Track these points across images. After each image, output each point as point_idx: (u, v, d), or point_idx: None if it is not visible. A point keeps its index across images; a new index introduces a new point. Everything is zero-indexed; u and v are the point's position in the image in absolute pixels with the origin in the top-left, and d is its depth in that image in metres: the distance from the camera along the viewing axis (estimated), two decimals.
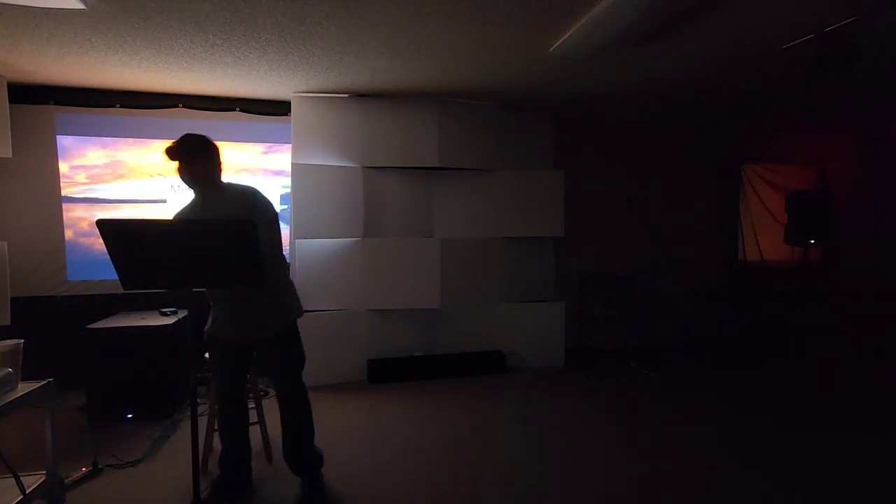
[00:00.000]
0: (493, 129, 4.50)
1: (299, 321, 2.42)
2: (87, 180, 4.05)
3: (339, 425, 3.17)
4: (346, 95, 4.17)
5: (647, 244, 4.97)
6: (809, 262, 5.33)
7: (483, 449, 2.94)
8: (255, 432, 2.57)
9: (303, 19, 2.72)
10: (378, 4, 2.56)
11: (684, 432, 3.15)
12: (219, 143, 4.43)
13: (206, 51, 3.17)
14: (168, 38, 2.96)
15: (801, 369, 4.53)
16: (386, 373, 4.17)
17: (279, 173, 4.38)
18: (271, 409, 3.24)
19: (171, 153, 2.07)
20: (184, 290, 1.82)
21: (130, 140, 4.11)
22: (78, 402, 3.45)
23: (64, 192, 4.00)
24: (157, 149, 4.17)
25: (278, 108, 4.27)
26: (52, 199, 3.96)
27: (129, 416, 3.30)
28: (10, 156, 3.50)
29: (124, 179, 4.11)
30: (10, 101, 3.53)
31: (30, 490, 2.00)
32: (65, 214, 4.00)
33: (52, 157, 3.96)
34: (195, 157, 2.12)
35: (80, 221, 4.04)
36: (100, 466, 2.63)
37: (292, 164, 4.01)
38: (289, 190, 4.14)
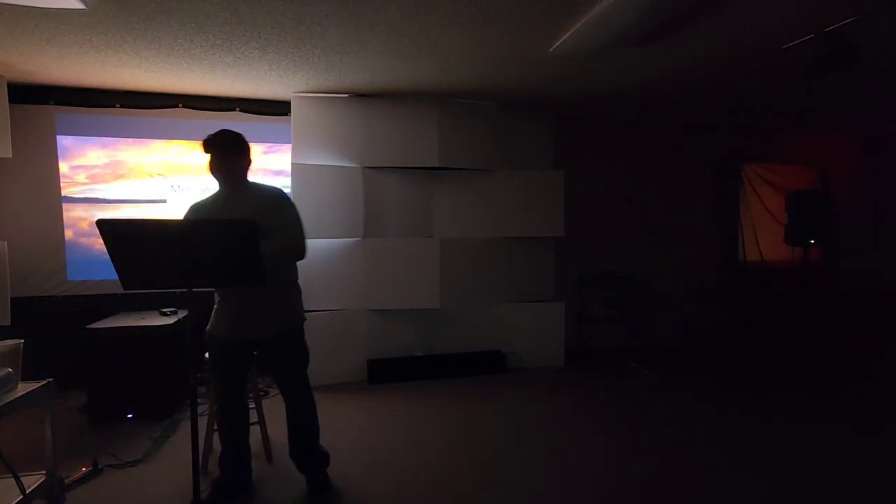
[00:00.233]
0: (493, 129, 4.50)
1: None
2: (87, 180, 4.05)
3: (339, 425, 3.18)
4: (346, 95, 4.17)
5: (647, 244, 4.97)
6: (809, 262, 5.33)
7: (483, 449, 2.94)
8: (255, 432, 2.56)
9: (303, 19, 2.72)
10: (378, 4, 2.56)
11: (684, 432, 3.15)
12: None
13: (206, 51, 3.17)
14: (168, 38, 2.96)
15: (801, 369, 4.53)
16: (386, 373, 4.17)
17: (279, 173, 4.38)
18: (271, 409, 3.26)
19: (206, 145, 2.15)
20: (184, 290, 1.82)
21: (130, 140, 4.12)
22: (78, 402, 3.45)
23: (64, 192, 4.00)
24: (157, 149, 4.17)
25: (278, 108, 4.27)
26: (52, 199, 3.96)
27: (129, 416, 3.31)
28: (10, 156, 3.50)
29: (124, 179, 4.11)
30: (10, 101, 3.53)
31: (30, 490, 2.00)
32: (65, 214, 4.00)
33: (52, 157, 3.96)
34: (228, 152, 2.18)
35: (80, 221, 4.04)
36: (100, 466, 2.63)
37: (292, 164, 4.01)
38: (289, 190, 4.14)
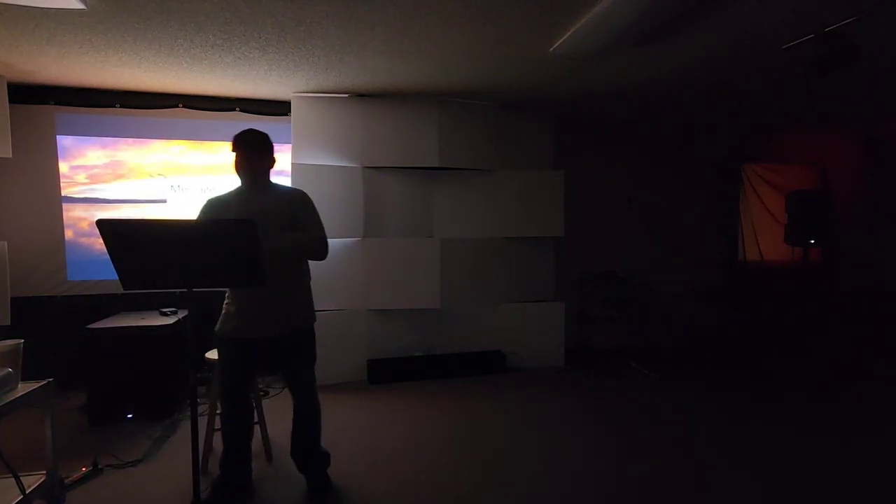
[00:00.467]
0: (493, 129, 4.50)
1: None
2: (87, 180, 4.05)
3: (339, 425, 3.17)
4: (346, 95, 4.17)
5: (647, 244, 4.97)
6: (809, 262, 5.33)
7: (483, 449, 2.94)
8: (255, 432, 2.56)
9: (303, 19, 2.72)
10: (378, 4, 2.56)
11: (684, 432, 3.15)
12: (218, 143, 4.45)
13: (206, 51, 3.17)
14: (168, 38, 2.96)
15: (800, 369, 4.53)
16: (386, 373, 4.17)
17: (279, 173, 4.37)
18: (271, 410, 3.26)
19: (234, 143, 2.22)
20: (184, 290, 1.82)
21: (130, 140, 4.12)
22: (78, 402, 3.46)
23: (64, 192, 4.00)
24: (157, 149, 4.17)
25: (278, 108, 4.27)
26: (52, 199, 3.96)
27: (129, 416, 3.31)
28: (10, 156, 3.50)
29: (124, 179, 4.11)
30: (10, 101, 3.53)
31: (30, 490, 2.00)
32: (65, 214, 4.00)
33: (52, 157, 3.96)
34: (253, 151, 2.23)
35: (80, 221, 4.04)
36: (100, 466, 2.63)
37: (292, 164, 4.01)
38: None
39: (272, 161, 2.33)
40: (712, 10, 2.66)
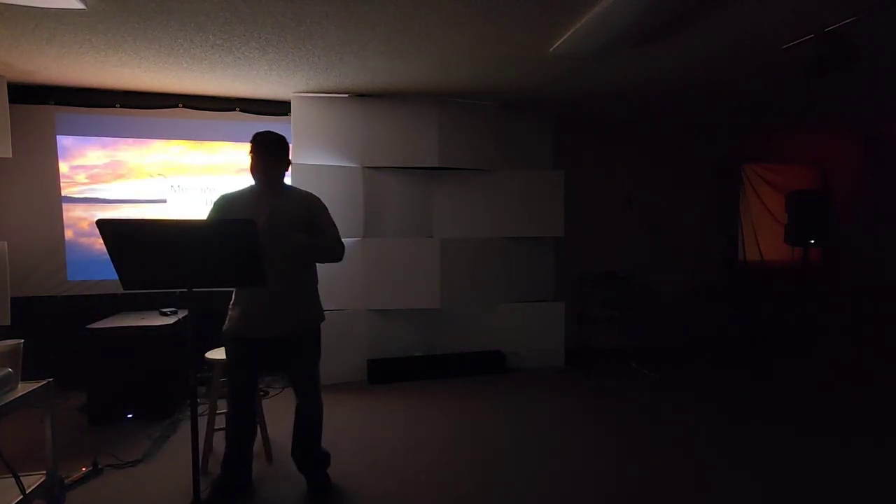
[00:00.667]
0: (493, 129, 4.50)
1: None
2: (87, 180, 4.05)
3: (339, 425, 3.17)
4: (346, 95, 4.17)
5: (647, 244, 4.97)
6: (809, 262, 5.33)
7: (483, 449, 2.94)
8: (255, 432, 2.56)
9: (303, 19, 2.72)
10: (378, 4, 2.56)
11: (684, 433, 3.15)
12: (218, 143, 4.45)
13: (206, 51, 3.17)
14: (168, 38, 2.96)
15: (801, 369, 4.53)
16: (386, 373, 4.17)
17: None
18: (271, 410, 3.26)
19: (252, 144, 2.26)
20: (184, 290, 1.82)
21: (130, 140, 4.12)
22: (78, 402, 3.46)
23: (64, 192, 4.00)
24: (157, 149, 4.17)
25: (278, 108, 4.27)
26: (52, 199, 3.96)
27: (129, 416, 3.31)
28: (10, 156, 3.50)
29: (124, 179, 4.11)
30: (10, 101, 3.53)
31: (30, 490, 2.00)
32: (65, 214, 4.00)
33: (52, 157, 3.96)
34: (269, 153, 2.26)
35: (80, 221, 4.04)
36: (100, 466, 2.63)
37: (292, 164, 4.00)
38: None
39: (287, 164, 2.34)
40: (712, 10, 2.66)
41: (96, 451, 2.78)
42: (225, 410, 2.39)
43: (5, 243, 3.49)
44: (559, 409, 3.59)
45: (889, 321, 5.61)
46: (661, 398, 3.78)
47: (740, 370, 4.49)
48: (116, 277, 1.75)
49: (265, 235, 2.12)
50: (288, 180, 3.69)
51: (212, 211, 2.28)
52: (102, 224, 1.66)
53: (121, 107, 4.06)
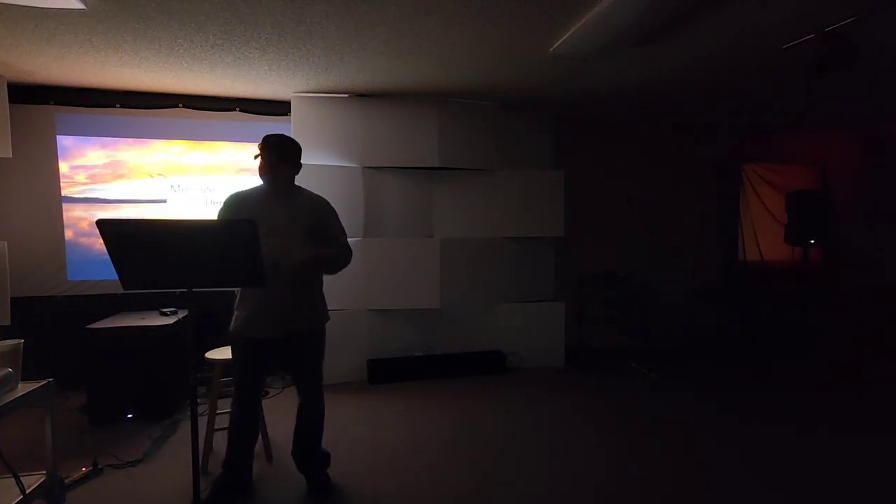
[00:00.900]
0: (493, 129, 4.50)
1: None
2: (87, 180, 4.05)
3: (339, 425, 3.17)
4: (346, 95, 4.17)
5: (647, 244, 4.97)
6: (809, 262, 5.33)
7: (483, 448, 2.94)
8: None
9: (303, 19, 2.72)
10: (378, 4, 2.56)
11: (684, 433, 3.15)
12: (218, 143, 4.45)
13: (206, 51, 3.17)
14: (168, 38, 2.96)
15: (801, 369, 4.53)
16: (386, 373, 4.17)
17: None
18: (271, 409, 3.26)
19: (261, 148, 2.25)
20: (184, 290, 1.82)
21: (130, 140, 4.12)
22: (78, 402, 3.45)
23: (64, 192, 4.00)
24: (157, 149, 4.17)
25: (278, 108, 4.27)
26: (52, 199, 3.96)
27: (129, 416, 3.31)
28: (10, 156, 3.50)
29: (124, 179, 4.11)
30: (10, 101, 3.53)
31: (30, 490, 2.00)
32: (65, 214, 4.00)
33: (52, 157, 3.96)
34: (274, 156, 2.24)
35: (80, 221, 4.04)
36: (100, 466, 2.63)
37: None
38: None
39: (296, 166, 2.34)
40: (712, 10, 2.66)
41: (96, 451, 2.78)
42: (225, 410, 2.39)
43: (5, 243, 3.49)
44: (559, 409, 3.59)
45: (889, 321, 5.61)
46: (661, 398, 3.78)
47: (740, 370, 4.48)
48: (116, 277, 1.75)
49: (274, 237, 2.12)
50: None
51: (222, 210, 2.28)
52: (102, 224, 1.66)
53: (121, 107, 4.06)
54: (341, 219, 2.49)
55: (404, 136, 4.26)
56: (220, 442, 2.60)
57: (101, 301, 3.93)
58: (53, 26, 2.77)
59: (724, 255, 5.75)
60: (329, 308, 2.50)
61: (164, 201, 4.18)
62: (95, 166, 4.06)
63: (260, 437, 2.73)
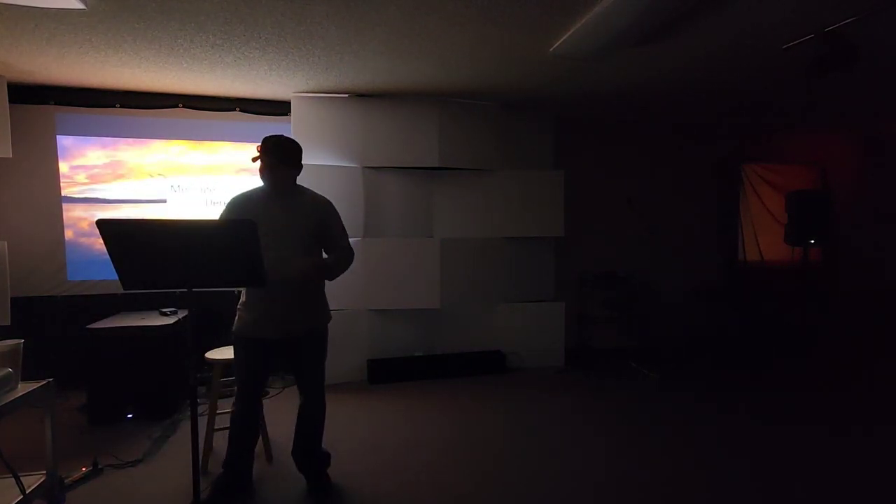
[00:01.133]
0: (493, 129, 4.50)
1: None
2: (87, 180, 4.05)
3: (339, 425, 3.17)
4: (346, 95, 4.17)
5: (647, 244, 4.97)
6: (809, 262, 5.33)
7: (483, 448, 2.94)
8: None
9: (303, 19, 2.72)
10: (378, 4, 2.56)
11: (684, 432, 3.15)
12: (218, 143, 4.44)
13: (206, 51, 3.17)
14: (168, 38, 2.96)
15: (801, 369, 4.53)
16: (386, 373, 4.17)
17: None
18: (271, 409, 3.26)
19: (262, 150, 2.22)
20: (184, 290, 1.82)
21: (130, 140, 4.12)
22: (78, 402, 3.45)
23: (64, 192, 4.00)
24: (157, 149, 4.17)
25: (278, 108, 4.27)
26: (52, 199, 3.96)
27: (129, 416, 3.30)
28: (10, 156, 3.50)
29: (124, 179, 4.11)
30: (10, 101, 3.53)
31: (30, 490, 2.00)
32: (65, 214, 4.00)
33: (52, 157, 3.96)
34: (280, 163, 2.23)
35: (80, 221, 4.04)
36: (100, 466, 2.63)
37: None
38: None
39: (296, 167, 2.32)
40: (712, 10, 2.66)
41: (96, 451, 2.78)
42: (225, 410, 2.39)
43: (5, 243, 3.48)
44: (559, 409, 3.59)
45: (889, 321, 5.61)
46: (661, 398, 3.78)
47: (740, 370, 4.48)
48: (116, 277, 1.75)
49: (274, 238, 2.12)
50: None
51: (224, 211, 2.28)
52: (102, 224, 1.66)
53: (121, 107, 4.06)
54: (342, 218, 2.49)
55: (404, 136, 4.26)
56: (220, 442, 2.60)
57: (101, 301, 3.93)
58: (53, 26, 2.77)
59: (724, 255, 5.75)
60: (329, 308, 2.50)
61: (164, 201, 4.18)
62: (95, 166, 4.06)
63: (260, 437, 2.74)
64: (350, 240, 2.49)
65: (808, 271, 5.37)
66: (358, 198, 4.18)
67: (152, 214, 4.12)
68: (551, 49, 3.14)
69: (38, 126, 3.91)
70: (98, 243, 3.93)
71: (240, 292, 2.36)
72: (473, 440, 3.06)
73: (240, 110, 4.28)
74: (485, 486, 2.51)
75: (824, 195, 5.47)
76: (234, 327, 2.31)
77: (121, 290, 1.95)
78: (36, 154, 3.91)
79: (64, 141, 3.99)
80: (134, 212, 4.11)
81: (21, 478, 1.91)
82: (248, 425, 2.35)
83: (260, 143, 2.24)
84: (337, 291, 4.05)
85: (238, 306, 2.32)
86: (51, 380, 2.19)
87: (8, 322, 3.42)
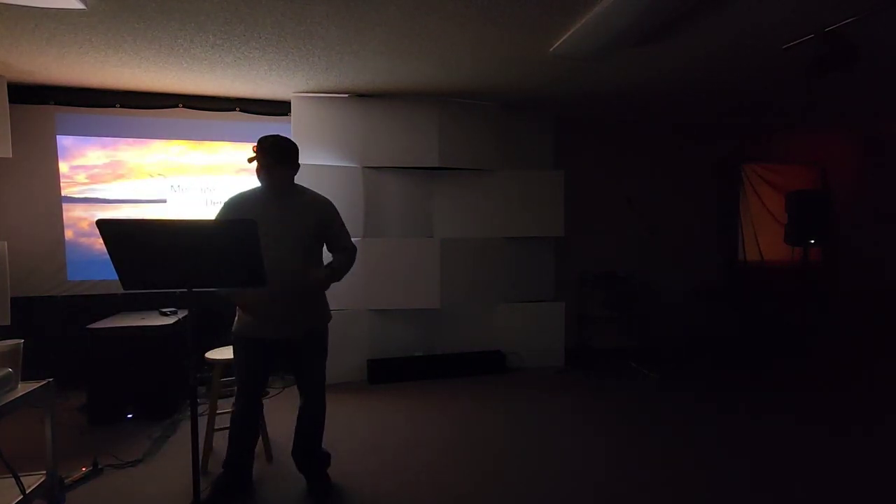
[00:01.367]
0: (493, 129, 4.50)
1: None
2: (87, 180, 4.05)
3: (339, 425, 3.17)
4: (346, 95, 4.17)
5: (647, 244, 4.97)
6: (809, 262, 5.33)
7: (483, 449, 2.94)
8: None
9: (303, 19, 2.72)
10: (378, 4, 2.56)
11: (684, 432, 3.15)
12: (218, 143, 4.44)
13: (206, 51, 3.17)
14: (168, 38, 2.96)
15: (801, 369, 4.53)
16: (386, 373, 4.17)
17: None
18: (271, 409, 3.26)
19: (258, 151, 2.20)
20: (184, 290, 1.82)
21: (130, 140, 4.11)
22: (78, 402, 3.45)
23: (64, 192, 4.00)
24: (157, 149, 4.17)
25: (278, 108, 4.27)
26: (52, 199, 3.96)
27: (129, 416, 3.30)
28: (10, 156, 3.50)
29: (124, 179, 4.11)
30: (10, 101, 3.53)
31: (30, 490, 2.00)
32: (65, 214, 4.00)
33: (52, 157, 3.96)
34: (277, 163, 2.22)
35: (80, 221, 4.04)
36: (100, 466, 2.63)
37: None
38: None
39: (293, 167, 2.30)
40: (712, 10, 2.66)
41: (96, 451, 2.78)
42: (225, 410, 2.39)
43: (5, 243, 3.48)
44: (559, 409, 3.59)
45: (889, 321, 5.61)
46: (661, 398, 3.78)
47: (740, 370, 4.48)
48: (116, 277, 1.75)
49: (272, 239, 2.12)
50: None
51: (220, 212, 2.28)
52: (102, 224, 1.66)
53: (121, 107, 4.06)
54: (342, 218, 2.48)
55: (404, 136, 4.26)
56: (220, 442, 2.60)
57: (101, 301, 3.92)
58: (53, 26, 2.77)
59: (724, 255, 5.75)
60: (329, 308, 2.50)
61: (164, 201, 4.18)
62: (95, 166, 4.06)
63: (260, 437, 2.74)
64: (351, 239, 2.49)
65: (808, 271, 5.37)
66: (358, 198, 4.18)
67: (152, 214, 4.12)
68: (551, 49, 3.14)
69: (38, 126, 3.91)
70: (98, 243, 3.93)
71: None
72: (473, 440, 3.06)
73: (240, 110, 4.28)
74: (485, 486, 2.51)
75: (824, 195, 5.47)
76: (233, 327, 2.31)
77: (121, 290, 1.95)
78: (36, 154, 3.91)
79: (64, 141, 3.99)
80: (134, 212, 4.11)
81: (21, 478, 1.91)
82: (248, 425, 2.35)
83: (256, 144, 2.23)
84: (337, 291, 4.04)
85: (237, 306, 2.31)
86: (51, 380, 2.19)
87: (8, 322, 3.42)
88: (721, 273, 5.71)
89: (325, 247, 2.44)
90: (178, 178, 4.21)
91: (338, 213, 2.44)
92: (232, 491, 2.35)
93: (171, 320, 3.49)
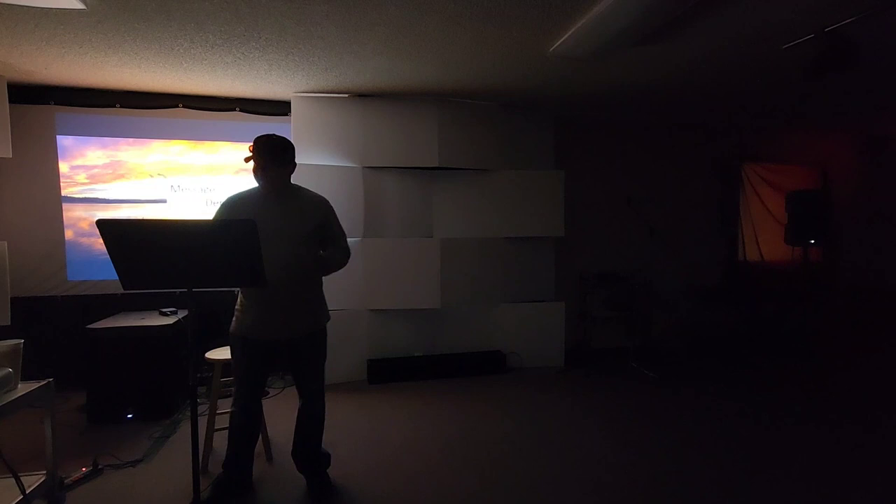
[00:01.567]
0: (493, 129, 4.50)
1: None
2: (87, 180, 4.05)
3: (339, 425, 3.17)
4: (346, 95, 4.17)
5: (647, 244, 4.97)
6: (809, 262, 5.33)
7: (483, 448, 2.94)
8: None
9: (303, 19, 2.72)
10: (378, 4, 2.56)
11: (684, 432, 3.15)
12: (218, 143, 4.45)
13: (206, 51, 3.17)
14: (168, 38, 2.96)
15: (801, 369, 4.53)
16: (386, 373, 4.17)
17: None
18: (271, 409, 3.26)
19: (255, 150, 2.19)
20: (184, 290, 1.82)
21: (130, 140, 4.12)
22: (78, 402, 3.46)
23: (64, 192, 4.00)
24: (157, 149, 4.17)
25: (278, 107, 4.27)
26: (52, 199, 3.96)
27: (129, 416, 3.30)
28: (10, 156, 3.51)
29: (124, 179, 4.11)
30: (10, 101, 3.53)
31: (30, 490, 2.00)
32: (65, 214, 4.00)
33: (52, 157, 3.96)
34: (274, 162, 2.21)
35: (80, 221, 4.04)
36: (100, 466, 2.63)
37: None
38: None
39: (291, 166, 2.29)
40: (712, 11, 2.66)
41: (96, 451, 2.78)
42: (225, 410, 2.39)
43: (5, 243, 3.48)
44: (559, 409, 3.59)
45: (889, 321, 5.61)
46: (661, 398, 3.78)
47: (740, 370, 4.48)
48: (116, 277, 1.75)
49: (269, 239, 2.12)
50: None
51: (218, 212, 2.27)
52: (102, 224, 1.66)
53: (121, 107, 4.06)
54: (341, 219, 2.49)
55: (404, 136, 4.26)
56: (220, 442, 2.61)
57: (101, 301, 3.92)
58: (53, 26, 2.77)
59: (724, 255, 5.75)
60: (329, 308, 2.49)
61: (164, 201, 4.18)
62: (95, 166, 4.06)
63: (260, 437, 2.74)
64: (350, 240, 2.49)
65: (808, 271, 5.37)
66: (358, 198, 4.18)
67: (152, 214, 4.12)
68: (551, 49, 3.14)
69: (38, 126, 3.92)
70: (98, 243, 3.93)
71: (238, 292, 2.36)
72: (473, 440, 3.06)
73: (240, 110, 4.28)
74: (485, 486, 2.51)
75: (824, 195, 5.47)
76: (231, 328, 2.31)
77: (121, 290, 1.95)
78: (36, 154, 3.91)
79: (64, 141, 3.99)
80: (134, 212, 4.11)
81: (21, 478, 1.91)
82: (247, 425, 2.35)
83: (251, 144, 2.22)
84: (337, 291, 4.08)
85: (236, 307, 2.31)
86: (51, 380, 2.19)
87: (8, 322, 3.42)
88: (721, 273, 5.71)
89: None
90: (178, 178, 4.21)
91: (335, 214, 2.43)
92: (232, 491, 2.35)
93: (171, 320, 3.49)
